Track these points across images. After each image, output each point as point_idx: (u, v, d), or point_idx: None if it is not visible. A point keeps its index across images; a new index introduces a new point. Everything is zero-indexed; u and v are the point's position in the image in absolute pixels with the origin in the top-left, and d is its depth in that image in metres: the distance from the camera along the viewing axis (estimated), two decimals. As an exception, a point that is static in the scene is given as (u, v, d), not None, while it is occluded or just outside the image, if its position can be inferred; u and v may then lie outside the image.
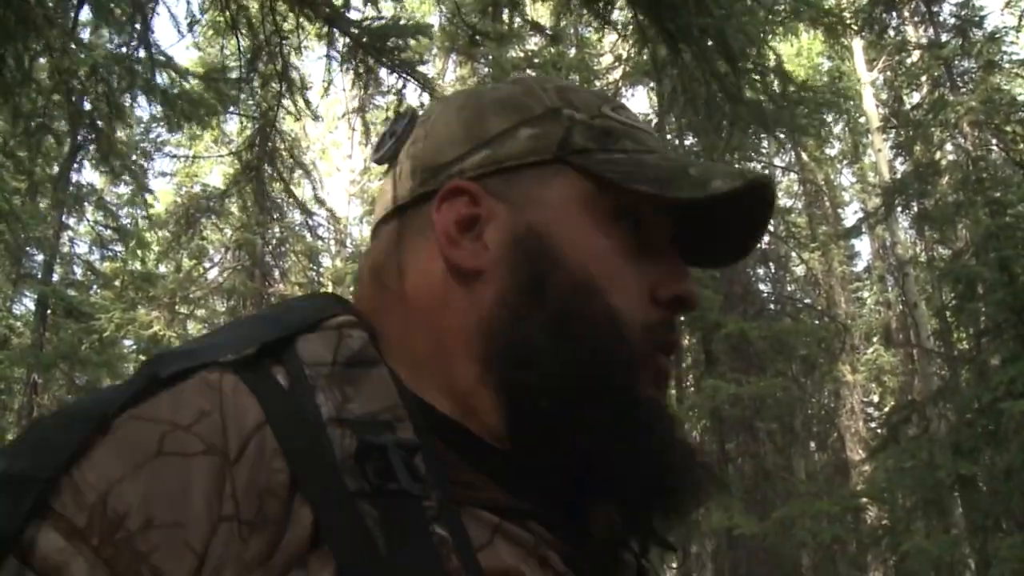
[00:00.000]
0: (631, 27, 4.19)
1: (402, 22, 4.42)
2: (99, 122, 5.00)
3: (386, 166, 0.75)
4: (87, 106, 5.00)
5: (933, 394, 12.51)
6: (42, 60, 4.72)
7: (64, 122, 5.59)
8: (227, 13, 4.31)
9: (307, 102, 5.42)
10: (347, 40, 4.42)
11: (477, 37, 5.00)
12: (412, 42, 4.53)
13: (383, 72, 4.71)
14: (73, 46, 4.52)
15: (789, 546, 12.01)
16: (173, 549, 0.50)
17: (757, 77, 4.05)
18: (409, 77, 4.56)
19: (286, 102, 5.24)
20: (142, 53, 4.53)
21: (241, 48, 4.88)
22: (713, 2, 3.30)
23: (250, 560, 0.51)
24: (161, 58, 4.80)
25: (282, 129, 10.66)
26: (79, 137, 5.97)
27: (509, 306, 0.65)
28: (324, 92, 5.94)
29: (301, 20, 4.41)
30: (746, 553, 12.42)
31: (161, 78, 5.24)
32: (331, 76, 5.19)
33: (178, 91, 5.34)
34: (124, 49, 4.73)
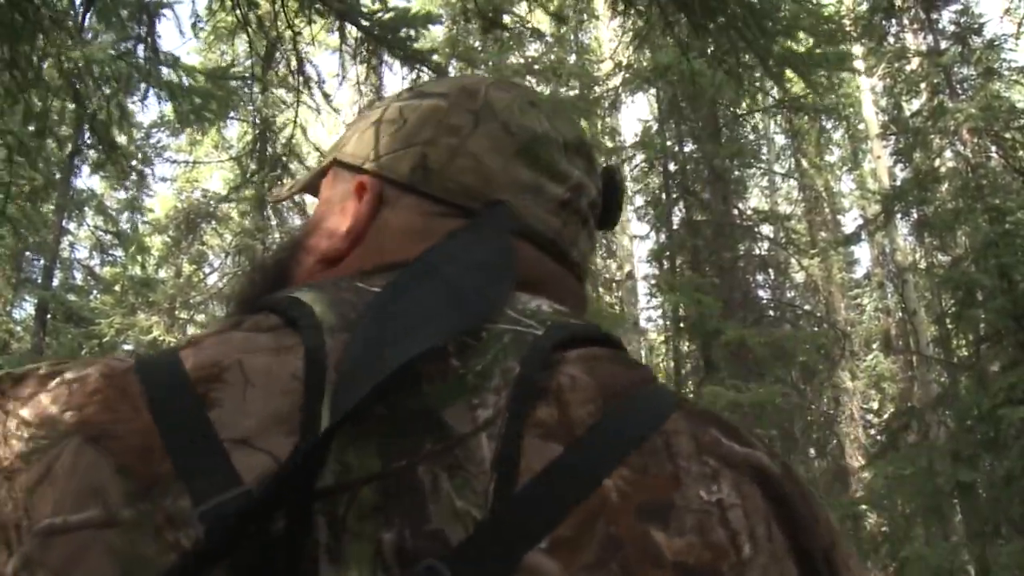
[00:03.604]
0: (650, 14, 4.20)
1: (410, 13, 4.46)
2: (101, 118, 5.00)
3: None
4: (91, 109, 5.02)
5: (932, 401, 12.51)
6: (46, 63, 4.74)
7: (66, 126, 5.61)
8: (237, 12, 4.33)
9: (325, 95, 5.48)
10: (359, 34, 4.44)
11: (491, 16, 5.00)
12: (424, 31, 4.57)
13: (396, 65, 4.75)
14: (79, 50, 4.54)
15: (789, 553, 11.99)
16: None
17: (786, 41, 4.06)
18: (422, 67, 4.58)
19: (304, 97, 5.27)
20: (146, 53, 4.55)
21: (252, 47, 4.91)
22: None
23: None
24: (168, 57, 4.82)
25: (283, 133, 10.69)
26: (80, 141, 5.99)
27: None
28: (340, 83, 5.96)
29: (312, 16, 4.43)
30: (745, 560, 12.37)
31: (169, 75, 5.27)
32: (344, 72, 5.22)
33: (186, 87, 5.36)
34: (129, 47, 4.74)
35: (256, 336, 0.54)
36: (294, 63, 4.99)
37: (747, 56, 3.88)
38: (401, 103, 0.73)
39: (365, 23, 4.28)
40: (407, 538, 0.46)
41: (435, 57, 5.06)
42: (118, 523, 0.45)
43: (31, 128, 4.92)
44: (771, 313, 14.97)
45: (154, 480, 0.46)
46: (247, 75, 5.73)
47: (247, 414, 0.49)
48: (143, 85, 5.15)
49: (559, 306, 0.62)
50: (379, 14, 4.30)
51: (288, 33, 4.64)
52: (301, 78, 4.96)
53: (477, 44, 12.80)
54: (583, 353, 0.56)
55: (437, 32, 12.20)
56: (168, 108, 5.57)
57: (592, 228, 0.73)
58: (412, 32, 4.35)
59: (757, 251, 15.16)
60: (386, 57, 4.66)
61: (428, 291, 0.57)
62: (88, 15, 4.29)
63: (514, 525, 0.46)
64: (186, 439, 0.47)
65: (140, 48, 4.58)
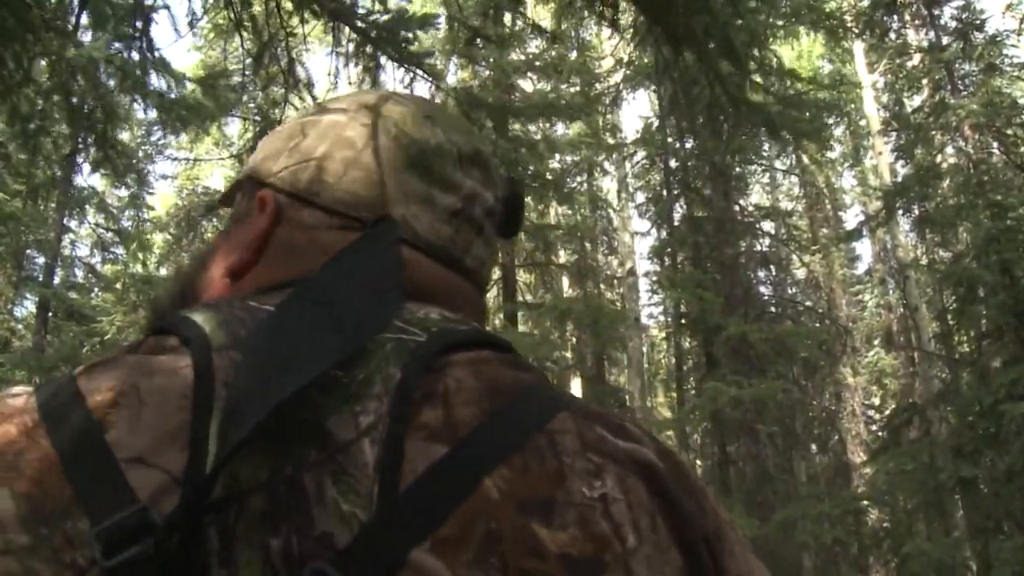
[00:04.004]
0: (634, 28, 4.18)
1: (408, 15, 4.45)
2: (98, 124, 5.01)
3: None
4: (86, 108, 5.02)
5: (934, 397, 12.51)
6: (42, 62, 4.73)
7: (64, 125, 5.60)
8: (231, 12, 4.31)
9: (314, 99, 5.48)
10: (353, 35, 4.43)
11: (478, 40, 5.03)
12: (420, 33, 4.56)
13: (391, 67, 4.74)
14: (73, 49, 4.53)
15: (790, 548, 12.00)
16: None
17: (759, 79, 4.02)
18: (417, 70, 4.57)
19: (293, 99, 5.26)
20: (137, 56, 4.53)
21: (245, 47, 4.88)
22: (715, 1, 3.30)
23: None
24: (158, 60, 4.80)
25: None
26: (79, 139, 5.99)
27: None
28: (333, 87, 5.94)
29: (306, 16, 4.41)
30: (747, 556, 12.36)
31: (158, 83, 5.27)
32: (337, 72, 5.20)
33: (175, 96, 5.37)
34: (121, 50, 4.73)
35: (151, 358, 0.56)
36: (284, 65, 4.97)
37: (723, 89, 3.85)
38: (305, 119, 0.76)
39: (360, 24, 4.26)
40: (294, 543, 0.47)
41: (435, 56, 5.05)
42: (14, 550, 0.46)
43: (32, 126, 4.93)
44: (772, 309, 14.97)
45: (54, 504, 0.47)
46: (238, 79, 5.72)
47: (142, 433, 0.50)
48: (135, 90, 5.14)
49: (449, 313, 0.64)
50: (375, 16, 4.29)
51: (282, 33, 4.62)
52: (291, 79, 4.95)
53: (477, 41, 12.77)
54: (472, 356, 0.59)
55: (437, 30, 12.16)
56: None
57: (489, 235, 0.76)
58: (409, 34, 4.33)
59: (758, 247, 15.16)
60: (382, 59, 4.64)
61: (316, 315, 0.58)
62: (82, 12, 4.28)
63: (398, 525, 0.48)
64: (85, 462, 0.49)
65: (134, 50, 4.56)
